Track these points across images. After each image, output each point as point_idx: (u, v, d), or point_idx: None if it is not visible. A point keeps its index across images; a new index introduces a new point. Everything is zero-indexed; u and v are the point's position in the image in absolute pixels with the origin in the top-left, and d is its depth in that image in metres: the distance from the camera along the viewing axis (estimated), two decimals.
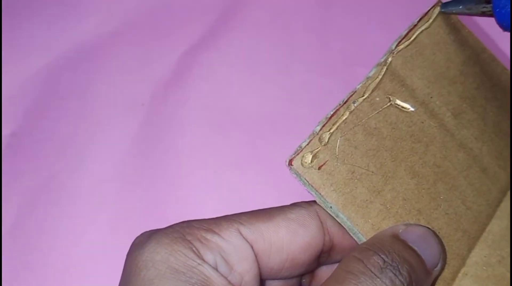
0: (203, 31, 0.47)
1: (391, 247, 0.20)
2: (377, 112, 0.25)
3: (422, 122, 0.26)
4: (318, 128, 0.24)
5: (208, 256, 0.20)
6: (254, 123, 0.39)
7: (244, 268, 0.21)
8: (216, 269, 0.20)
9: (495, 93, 0.28)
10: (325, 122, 0.24)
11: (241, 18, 0.48)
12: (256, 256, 0.22)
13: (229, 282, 0.20)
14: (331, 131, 0.24)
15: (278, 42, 0.46)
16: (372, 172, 0.24)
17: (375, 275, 0.19)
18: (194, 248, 0.20)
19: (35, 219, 0.34)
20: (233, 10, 0.49)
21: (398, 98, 0.25)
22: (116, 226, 0.35)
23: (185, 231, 0.21)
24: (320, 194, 0.22)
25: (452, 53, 0.27)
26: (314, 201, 0.23)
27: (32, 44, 0.45)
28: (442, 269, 0.23)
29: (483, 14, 0.23)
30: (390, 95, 0.25)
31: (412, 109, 0.25)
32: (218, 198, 0.36)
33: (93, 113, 0.40)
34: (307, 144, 0.23)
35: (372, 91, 0.25)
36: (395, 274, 0.19)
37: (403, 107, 0.25)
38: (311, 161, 0.23)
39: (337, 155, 0.24)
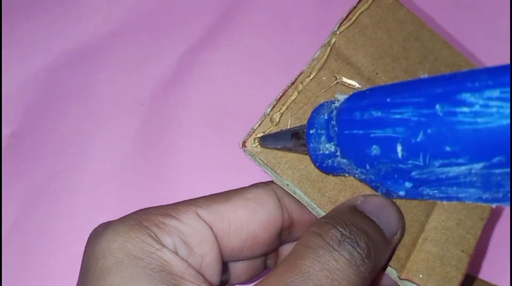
0: (203, 31, 0.47)
1: (349, 219, 0.20)
2: (325, 91, 0.26)
3: None
4: (269, 109, 0.25)
5: (167, 240, 0.20)
6: (254, 123, 0.39)
7: (204, 249, 0.21)
8: (176, 253, 0.20)
9: (438, 66, 0.28)
10: (275, 103, 0.25)
11: (241, 18, 0.48)
12: (216, 237, 0.22)
13: (189, 264, 0.20)
14: (281, 111, 0.25)
15: (278, 42, 0.46)
16: None
17: (334, 248, 0.19)
18: (152, 234, 0.20)
19: (35, 219, 0.34)
20: (233, 10, 0.49)
21: (344, 76, 0.26)
22: None
23: (142, 217, 0.21)
24: (275, 172, 0.23)
25: (393, 31, 0.28)
26: (272, 181, 0.23)
27: (32, 44, 0.45)
28: (402, 236, 0.23)
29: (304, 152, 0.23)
30: (336, 73, 0.26)
31: (358, 85, 0.26)
32: None
33: (93, 113, 0.40)
34: (259, 125, 0.24)
35: (318, 71, 0.26)
36: (353, 246, 0.19)
37: (349, 84, 0.26)
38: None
39: None
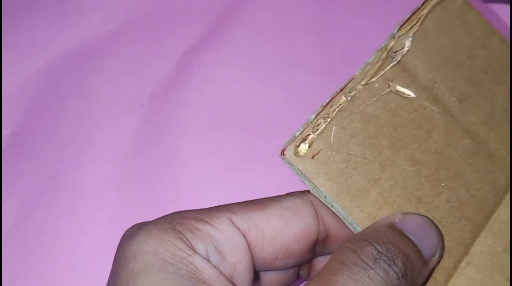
0: (203, 31, 0.47)
1: (386, 237, 0.20)
2: (376, 99, 0.24)
3: (424, 108, 0.25)
4: (313, 116, 0.23)
5: (199, 246, 0.20)
6: (254, 123, 0.39)
7: (237, 258, 0.21)
8: (207, 259, 0.20)
9: (505, 76, 0.26)
10: (320, 110, 0.23)
11: (241, 18, 0.48)
12: (249, 246, 0.21)
13: (221, 272, 0.20)
14: (326, 119, 0.23)
15: (278, 42, 0.46)
16: (369, 160, 0.23)
17: (369, 266, 0.18)
18: (184, 238, 0.20)
19: (35, 219, 0.34)
20: (233, 10, 0.49)
21: (398, 84, 0.25)
22: (116, 226, 0.35)
23: (175, 221, 0.21)
24: (313, 183, 0.22)
25: (458, 36, 0.26)
26: (309, 191, 0.22)
27: (32, 44, 0.45)
28: (440, 258, 0.22)
29: None
30: (390, 81, 0.25)
31: (413, 95, 0.25)
32: (218, 198, 0.36)
33: (93, 113, 0.40)
34: (301, 133, 0.23)
35: (371, 77, 0.24)
36: (389, 265, 0.18)
37: (403, 93, 0.25)
38: (305, 151, 0.23)
39: (332, 144, 0.23)
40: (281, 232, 0.22)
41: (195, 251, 0.20)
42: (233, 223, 0.21)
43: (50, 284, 0.32)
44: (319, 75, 0.43)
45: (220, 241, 0.21)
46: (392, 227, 0.21)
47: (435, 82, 0.25)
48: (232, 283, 0.20)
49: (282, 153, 0.23)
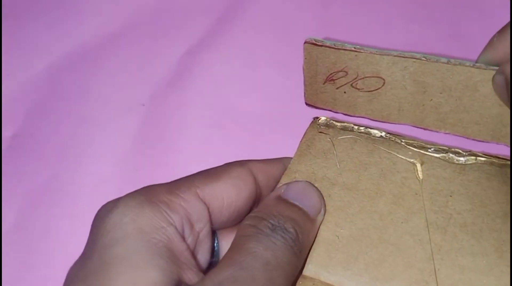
0: (203, 32, 0.47)
1: (276, 209, 0.23)
2: (395, 154, 0.27)
3: (419, 202, 0.25)
4: None
5: (175, 218, 0.22)
6: (254, 123, 0.39)
7: (200, 226, 0.24)
8: (180, 231, 0.22)
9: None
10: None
11: (241, 18, 0.48)
12: (210, 215, 0.24)
13: (188, 247, 0.22)
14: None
15: (278, 42, 0.46)
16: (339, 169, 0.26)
17: (269, 234, 0.22)
18: (161, 210, 0.22)
19: (36, 220, 0.34)
20: (233, 10, 0.49)
21: (420, 166, 0.26)
22: None
23: (149, 194, 0.22)
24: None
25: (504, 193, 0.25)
26: (246, 160, 0.26)
27: (33, 46, 0.45)
28: (325, 213, 0.25)
29: None
30: (419, 160, 0.26)
31: (421, 177, 0.26)
32: None
33: (93, 114, 0.40)
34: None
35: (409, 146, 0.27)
36: (283, 232, 0.22)
37: (417, 175, 0.26)
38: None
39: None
40: (235, 199, 0.25)
41: (171, 223, 0.22)
42: (198, 196, 0.24)
43: (50, 284, 0.32)
44: None
45: (190, 213, 0.23)
46: (279, 199, 0.24)
47: (450, 196, 0.25)
48: (195, 258, 0.23)
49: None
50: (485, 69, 0.24)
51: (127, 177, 0.36)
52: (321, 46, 0.25)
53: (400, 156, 0.26)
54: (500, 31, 0.25)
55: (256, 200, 0.26)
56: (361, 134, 0.27)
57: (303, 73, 0.27)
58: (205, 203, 0.24)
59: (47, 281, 0.33)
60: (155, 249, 0.20)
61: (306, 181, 0.26)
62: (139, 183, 0.36)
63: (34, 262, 0.33)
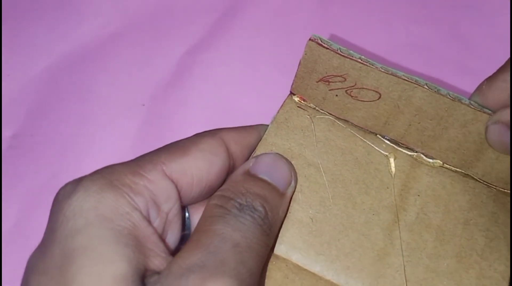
0: (203, 32, 0.47)
1: (244, 186, 0.22)
2: (373, 146, 0.27)
3: (386, 186, 0.26)
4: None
5: (139, 201, 0.21)
6: (254, 123, 0.39)
7: (169, 206, 0.22)
8: (147, 215, 0.21)
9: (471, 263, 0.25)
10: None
11: (241, 18, 0.48)
12: (179, 192, 0.22)
13: (154, 230, 0.21)
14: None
15: (278, 42, 0.46)
16: (316, 147, 0.26)
17: (237, 214, 0.21)
18: (125, 194, 0.20)
19: (36, 220, 0.34)
20: (233, 11, 0.49)
21: (394, 162, 0.27)
22: None
23: (112, 176, 0.21)
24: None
25: (480, 207, 0.26)
26: (218, 129, 0.24)
27: (33, 46, 0.45)
28: (296, 185, 0.25)
29: None
30: (395, 155, 0.27)
31: (393, 172, 0.27)
32: None
33: (94, 114, 0.40)
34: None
35: (389, 141, 0.28)
36: (252, 211, 0.21)
37: (390, 167, 0.27)
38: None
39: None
40: (206, 174, 0.23)
41: (135, 208, 0.20)
42: (165, 174, 0.22)
43: None
44: None
45: (156, 194, 0.21)
46: (247, 174, 0.23)
47: (417, 195, 0.26)
48: (163, 239, 0.21)
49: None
50: (479, 110, 0.25)
51: None
52: (326, 48, 0.25)
53: (375, 147, 0.27)
54: (489, 79, 0.26)
55: (229, 172, 0.25)
56: (338, 118, 0.28)
57: (299, 66, 0.27)
58: (172, 181, 0.22)
59: None
60: (120, 238, 0.19)
61: (276, 153, 0.25)
62: None
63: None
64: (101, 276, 0.18)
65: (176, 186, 0.22)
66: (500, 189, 0.27)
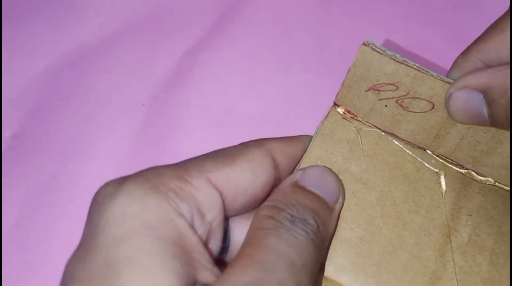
0: (204, 32, 0.47)
1: (294, 198, 0.21)
2: (422, 162, 0.26)
3: (437, 205, 0.25)
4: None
5: (184, 208, 0.20)
6: (254, 123, 0.39)
7: (213, 215, 0.21)
8: (191, 222, 0.20)
9: None
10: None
11: (241, 18, 0.48)
12: (224, 202, 0.21)
13: (200, 239, 0.20)
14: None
15: (278, 42, 0.46)
16: (362, 161, 0.25)
17: (290, 227, 0.20)
18: (170, 200, 0.19)
19: (36, 220, 0.34)
20: (233, 11, 0.49)
21: (445, 180, 0.26)
22: None
23: (157, 180, 0.20)
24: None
25: None
26: (264, 139, 0.23)
27: (33, 46, 0.45)
28: (343, 201, 0.24)
29: None
30: (445, 172, 0.26)
31: (444, 190, 0.25)
32: None
33: (94, 114, 0.40)
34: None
35: (438, 156, 0.26)
36: (304, 224, 0.20)
37: (441, 185, 0.25)
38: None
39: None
40: (252, 185, 0.22)
41: (181, 215, 0.19)
42: (211, 182, 0.21)
43: (50, 284, 0.32)
44: (318, 75, 0.43)
45: (201, 201, 0.20)
46: (295, 185, 0.22)
47: (469, 215, 0.25)
48: (207, 247, 0.21)
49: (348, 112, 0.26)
50: None
51: None
52: (381, 53, 0.24)
53: (424, 162, 0.25)
54: (464, 52, 0.25)
55: (275, 184, 0.24)
56: (385, 131, 0.26)
57: (348, 73, 0.25)
58: (218, 189, 0.21)
59: (47, 281, 0.33)
60: (167, 248, 0.18)
61: (323, 166, 0.24)
62: None
63: (34, 262, 0.33)
64: None
65: (221, 195, 0.21)
66: None
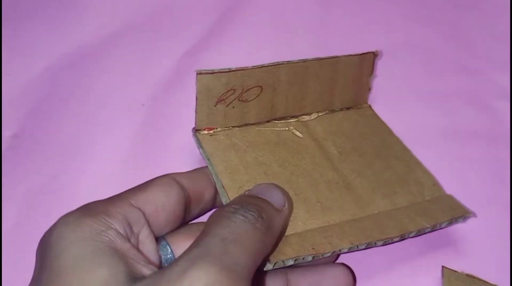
0: (204, 32, 0.47)
1: (240, 199, 0.25)
2: (274, 129, 0.33)
3: (307, 146, 0.33)
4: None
5: (114, 221, 0.24)
6: None
7: (138, 228, 0.25)
8: (123, 233, 0.24)
9: (388, 157, 0.34)
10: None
11: (241, 18, 0.48)
12: (148, 219, 0.26)
13: (132, 245, 0.23)
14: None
15: (278, 42, 0.46)
16: (248, 151, 0.31)
17: (230, 216, 0.23)
18: (100, 218, 0.23)
19: (36, 220, 0.34)
20: (233, 11, 0.49)
21: (296, 130, 0.34)
22: None
23: (87, 208, 0.24)
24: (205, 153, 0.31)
25: (357, 125, 0.35)
26: (170, 173, 0.28)
27: (33, 46, 0.45)
28: (291, 209, 0.28)
29: None
30: (290, 126, 0.34)
31: (301, 135, 0.33)
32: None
33: (94, 114, 0.40)
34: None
35: (279, 120, 0.34)
36: (245, 212, 0.23)
37: (296, 134, 0.33)
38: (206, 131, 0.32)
39: (228, 133, 0.32)
40: (167, 202, 0.27)
41: (111, 227, 0.23)
42: (132, 204, 0.25)
43: None
44: None
45: (128, 217, 0.25)
46: (244, 194, 0.26)
47: (325, 140, 0.34)
48: (141, 252, 0.24)
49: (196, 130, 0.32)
50: (323, 58, 0.33)
51: (127, 177, 0.35)
52: (213, 73, 0.30)
53: (277, 129, 0.33)
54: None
55: (187, 202, 0.28)
56: (241, 126, 0.33)
57: (196, 102, 0.30)
58: (139, 209, 0.25)
59: None
60: (99, 251, 0.22)
61: (268, 182, 0.28)
62: (139, 183, 0.36)
63: (34, 262, 0.33)
64: (85, 284, 0.20)
65: (144, 214, 0.26)
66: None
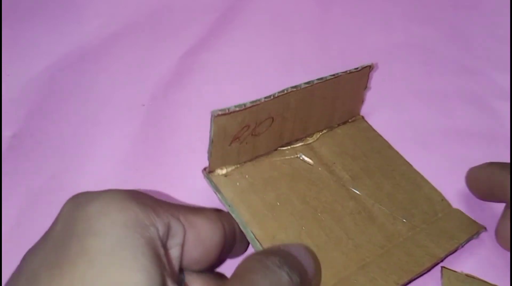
0: (204, 32, 0.47)
1: (285, 253, 0.23)
2: (284, 158, 0.32)
3: (320, 174, 0.32)
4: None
5: (158, 221, 0.21)
6: None
7: (173, 243, 0.22)
8: (162, 238, 0.21)
9: (394, 175, 0.34)
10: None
11: (241, 18, 0.48)
12: (184, 241, 0.23)
13: (167, 253, 0.21)
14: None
15: (278, 42, 0.46)
16: (268, 191, 0.30)
17: (276, 270, 0.21)
18: (148, 210, 0.21)
19: (36, 220, 0.34)
20: (233, 11, 0.49)
21: (304, 155, 0.33)
22: None
23: (137, 195, 0.21)
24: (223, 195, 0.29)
25: (356, 141, 0.35)
26: (218, 210, 0.27)
27: (33, 46, 0.45)
28: (319, 283, 0.27)
29: None
30: (299, 152, 0.33)
31: (311, 162, 0.33)
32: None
33: (94, 114, 0.40)
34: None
35: (285, 146, 0.33)
36: (290, 272, 0.21)
37: (306, 161, 0.33)
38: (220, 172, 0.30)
39: (242, 171, 0.30)
40: (210, 236, 0.24)
41: (154, 225, 0.20)
42: (179, 219, 0.23)
43: None
44: (318, 75, 0.43)
45: (171, 225, 0.22)
46: (284, 250, 0.24)
47: (334, 163, 0.33)
48: (171, 265, 0.21)
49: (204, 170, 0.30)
50: (326, 79, 0.32)
51: (127, 177, 0.36)
52: (229, 113, 0.28)
53: (286, 157, 0.33)
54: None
55: (223, 248, 0.26)
56: (253, 159, 0.32)
57: (212, 145, 0.28)
58: (183, 226, 0.23)
59: None
60: (141, 248, 0.19)
61: (303, 246, 0.26)
62: (139, 183, 0.36)
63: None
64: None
65: (184, 232, 0.23)
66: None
